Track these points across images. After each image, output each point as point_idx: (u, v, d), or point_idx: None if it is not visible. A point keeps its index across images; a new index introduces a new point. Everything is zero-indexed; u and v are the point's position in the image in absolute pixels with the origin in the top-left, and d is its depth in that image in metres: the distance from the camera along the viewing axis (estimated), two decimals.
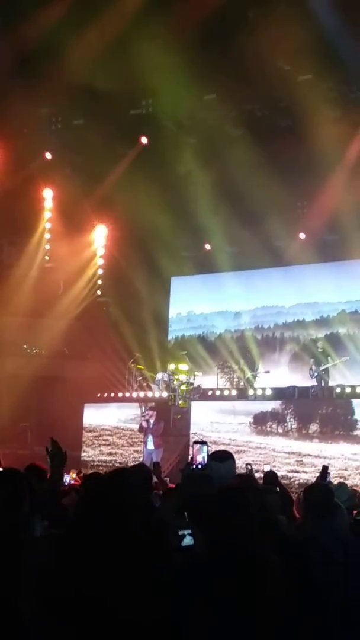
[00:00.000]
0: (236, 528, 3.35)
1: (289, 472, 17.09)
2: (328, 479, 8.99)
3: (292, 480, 16.54)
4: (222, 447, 17.98)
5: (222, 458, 5.61)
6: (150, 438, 18.33)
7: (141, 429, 18.85)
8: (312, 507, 5.40)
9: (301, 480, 16.26)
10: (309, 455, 17.49)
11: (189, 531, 3.56)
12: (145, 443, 18.44)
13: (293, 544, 4.48)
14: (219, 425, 19.12)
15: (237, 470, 5.98)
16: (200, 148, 19.06)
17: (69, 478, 10.86)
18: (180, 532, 3.56)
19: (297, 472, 17.10)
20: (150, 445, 18.23)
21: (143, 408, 19.79)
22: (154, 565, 3.27)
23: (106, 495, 3.47)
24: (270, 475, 7.86)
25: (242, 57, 15.83)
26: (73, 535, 3.39)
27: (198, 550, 3.50)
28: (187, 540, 3.56)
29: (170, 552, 3.57)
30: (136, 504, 3.47)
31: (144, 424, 18.60)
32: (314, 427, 17.93)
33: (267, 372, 21.05)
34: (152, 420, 18.46)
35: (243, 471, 8.27)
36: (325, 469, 8.56)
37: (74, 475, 11.37)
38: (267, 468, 10.23)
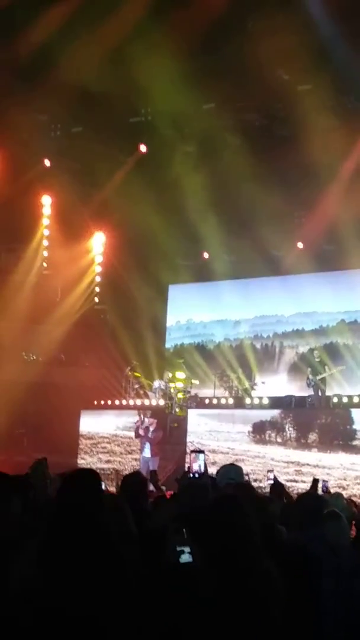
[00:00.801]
0: (233, 537, 3.33)
1: (287, 481, 17.01)
2: (325, 486, 8.96)
3: (290, 489, 16.46)
4: (220, 456, 18.05)
5: (233, 463, 5.94)
6: (147, 446, 18.30)
7: (137, 435, 18.80)
8: (302, 516, 5.40)
9: (300, 490, 16.17)
10: (308, 464, 17.47)
11: (188, 548, 3.52)
12: (141, 450, 18.42)
13: (291, 553, 4.47)
14: (218, 433, 19.10)
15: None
16: (199, 156, 19.09)
17: None
18: (179, 549, 3.52)
19: (295, 481, 17.06)
20: (147, 453, 18.20)
21: (142, 416, 19.75)
22: (121, 573, 3.23)
23: (60, 498, 3.49)
24: (277, 486, 7.85)
25: (241, 66, 15.87)
26: (46, 543, 3.37)
27: (196, 567, 3.47)
28: (186, 557, 3.51)
29: (163, 559, 3.54)
30: (92, 503, 3.43)
31: (141, 432, 18.56)
32: (312, 437, 17.91)
33: (263, 382, 21.04)
34: (152, 428, 18.43)
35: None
36: (315, 482, 8.58)
37: None
38: (270, 475, 10.19)
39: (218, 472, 5.99)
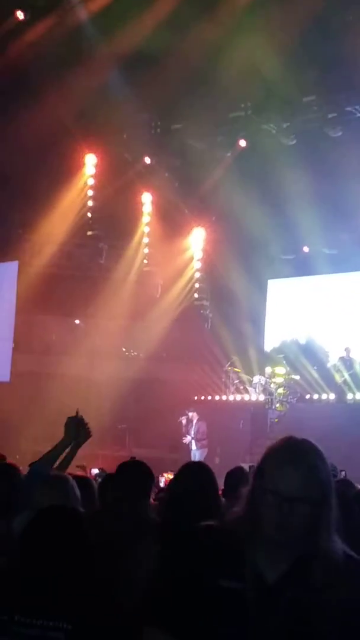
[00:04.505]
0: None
1: None
2: None
3: None
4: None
5: None
6: (192, 440, 18.38)
7: (187, 432, 18.79)
8: None
9: None
10: None
11: None
12: (189, 444, 18.49)
13: None
14: (320, 429, 18.80)
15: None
16: (299, 150, 18.91)
17: (164, 479, 10.91)
18: None
19: None
20: (194, 447, 18.29)
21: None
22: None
23: None
24: None
25: (342, 58, 15.69)
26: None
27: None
28: None
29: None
30: None
31: (188, 428, 18.57)
32: None
33: None
34: (194, 422, 18.46)
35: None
36: None
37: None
38: None
39: None
